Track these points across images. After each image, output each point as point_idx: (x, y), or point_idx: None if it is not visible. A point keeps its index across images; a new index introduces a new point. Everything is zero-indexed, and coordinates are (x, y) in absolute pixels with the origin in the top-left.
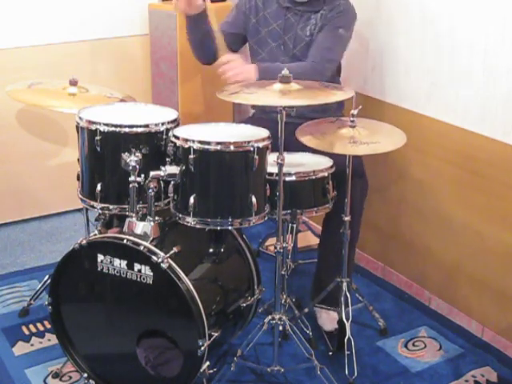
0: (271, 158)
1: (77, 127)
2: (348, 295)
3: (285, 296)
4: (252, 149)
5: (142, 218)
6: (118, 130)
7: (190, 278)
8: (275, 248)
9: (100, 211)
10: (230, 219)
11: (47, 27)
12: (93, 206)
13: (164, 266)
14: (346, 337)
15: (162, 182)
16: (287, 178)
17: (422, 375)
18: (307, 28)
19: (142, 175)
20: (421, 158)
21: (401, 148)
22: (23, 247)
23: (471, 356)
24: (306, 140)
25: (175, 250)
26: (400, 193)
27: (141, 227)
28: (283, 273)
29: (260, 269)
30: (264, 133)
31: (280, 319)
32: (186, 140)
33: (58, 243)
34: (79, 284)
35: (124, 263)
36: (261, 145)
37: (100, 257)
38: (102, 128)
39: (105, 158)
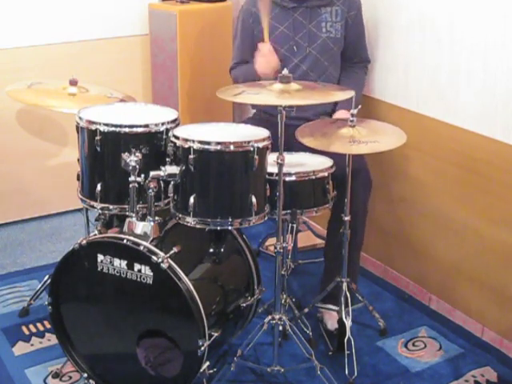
0: (271, 157)
1: (77, 127)
2: (348, 295)
3: (285, 296)
4: (252, 149)
5: (142, 218)
6: (117, 130)
7: (190, 278)
8: (275, 248)
9: (100, 211)
10: (230, 219)
11: (47, 27)
12: (93, 206)
13: (164, 266)
14: (346, 337)
15: (162, 181)
16: (287, 178)
17: (421, 375)
18: (321, 25)
19: (142, 175)
20: (421, 158)
21: (401, 148)
22: (23, 247)
23: (471, 356)
24: (305, 141)
25: (175, 250)
26: (400, 193)
27: (141, 227)
28: (283, 273)
29: (260, 269)
30: (264, 133)
31: (280, 319)
32: (186, 140)
33: (58, 243)
34: (79, 284)
35: (124, 263)
36: (261, 145)
37: (100, 257)
38: (102, 128)
39: (105, 158)
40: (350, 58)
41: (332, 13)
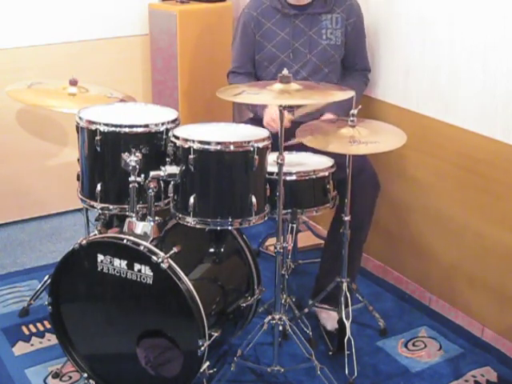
0: (271, 157)
1: (77, 127)
2: (348, 295)
3: (285, 296)
4: (252, 149)
5: (142, 218)
6: (117, 130)
7: (190, 278)
8: (275, 248)
9: (100, 211)
10: (230, 219)
11: (47, 27)
12: (93, 206)
13: (164, 266)
14: (346, 337)
15: (162, 181)
16: (288, 178)
17: (421, 375)
18: (322, 32)
19: (142, 175)
20: (421, 158)
21: (401, 148)
22: (23, 247)
23: (471, 356)
24: (305, 140)
25: (175, 249)
26: (400, 193)
27: (141, 227)
28: (283, 273)
29: (260, 269)
30: (264, 133)
31: (280, 319)
32: (186, 140)
33: (58, 243)
34: (79, 284)
35: (124, 263)
36: (261, 145)
37: (100, 257)
38: (102, 128)
39: (105, 158)
40: (350, 65)
41: (332, 20)
